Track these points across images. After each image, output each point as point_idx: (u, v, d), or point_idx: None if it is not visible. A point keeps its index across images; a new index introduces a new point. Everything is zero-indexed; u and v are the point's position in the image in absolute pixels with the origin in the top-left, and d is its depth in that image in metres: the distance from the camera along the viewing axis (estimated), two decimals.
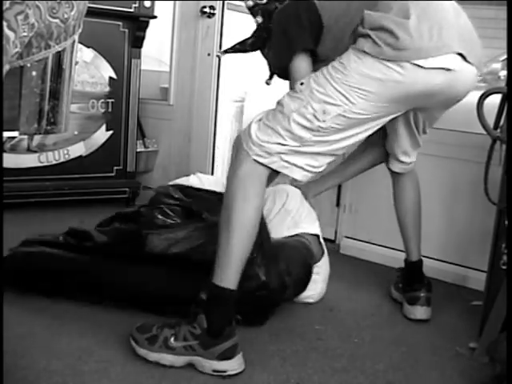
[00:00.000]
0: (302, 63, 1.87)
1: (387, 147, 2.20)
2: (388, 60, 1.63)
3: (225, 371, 1.68)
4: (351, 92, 1.64)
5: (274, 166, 1.69)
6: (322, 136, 1.68)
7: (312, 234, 2.21)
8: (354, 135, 1.74)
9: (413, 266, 2.26)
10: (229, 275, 1.68)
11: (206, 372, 1.68)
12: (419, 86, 1.69)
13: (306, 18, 1.86)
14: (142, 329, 1.75)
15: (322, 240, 2.27)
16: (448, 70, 1.70)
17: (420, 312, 2.17)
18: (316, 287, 2.19)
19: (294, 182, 2.30)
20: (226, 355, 1.68)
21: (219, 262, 1.69)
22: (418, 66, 1.64)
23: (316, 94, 1.66)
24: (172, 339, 1.70)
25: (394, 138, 2.13)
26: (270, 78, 2.11)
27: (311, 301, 2.22)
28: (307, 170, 1.73)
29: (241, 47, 2.11)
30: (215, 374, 1.68)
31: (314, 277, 2.15)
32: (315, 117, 1.65)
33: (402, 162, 2.19)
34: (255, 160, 1.68)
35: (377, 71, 1.64)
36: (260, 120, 1.71)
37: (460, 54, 1.73)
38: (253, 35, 2.09)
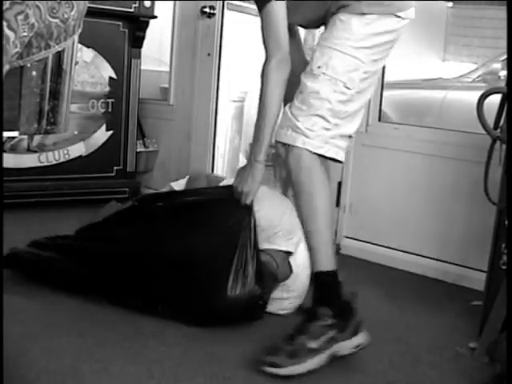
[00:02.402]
0: (280, 7, 1.82)
1: None
2: (381, 15, 1.79)
3: (359, 345, 1.77)
4: (361, 53, 1.79)
5: (328, 154, 1.81)
6: (352, 104, 1.82)
7: (284, 252, 2.09)
8: (363, 105, 1.89)
9: None
10: (330, 257, 1.80)
11: (344, 354, 1.75)
12: (397, 36, 1.86)
13: None
14: (272, 352, 1.71)
15: (290, 259, 2.12)
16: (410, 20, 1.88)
17: None
18: (282, 303, 2.12)
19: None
20: (357, 329, 1.77)
21: (318, 250, 1.79)
22: (400, 17, 1.82)
23: (339, 69, 1.77)
24: (310, 342, 1.70)
25: None
26: None
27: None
28: (345, 152, 1.88)
29: None
30: (353, 350, 1.75)
31: (280, 294, 2.11)
32: (347, 87, 1.79)
33: None
34: (314, 152, 1.78)
35: (375, 26, 1.79)
36: (296, 116, 1.78)
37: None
38: None
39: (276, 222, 2.07)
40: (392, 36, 1.84)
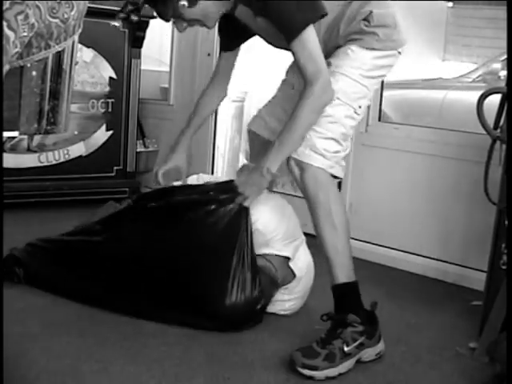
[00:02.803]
0: (313, 32, 1.81)
1: None
2: (387, 50, 1.92)
3: (380, 352, 1.85)
4: (369, 82, 1.92)
5: (337, 174, 1.91)
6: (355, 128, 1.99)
7: (283, 256, 2.09)
8: None
9: None
10: (348, 270, 1.85)
11: (367, 360, 1.81)
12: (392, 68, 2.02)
13: None
14: (308, 355, 1.73)
15: (290, 263, 2.11)
16: None
17: None
18: (283, 304, 2.13)
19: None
20: (380, 336, 1.86)
21: (338, 262, 1.84)
22: (400, 53, 1.97)
23: (351, 95, 1.88)
24: (345, 347, 1.75)
25: None
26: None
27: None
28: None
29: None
30: (375, 357, 1.83)
31: (281, 296, 2.11)
32: (356, 113, 1.91)
33: None
34: (327, 172, 1.87)
35: (381, 60, 1.93)
36: (312, 136, 1.84)
37: None
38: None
39: (275, 226, 2.06)
40: (388, 70, 2.00)
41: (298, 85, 1.93)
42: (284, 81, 2.21)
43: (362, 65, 1.89)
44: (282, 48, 1.98)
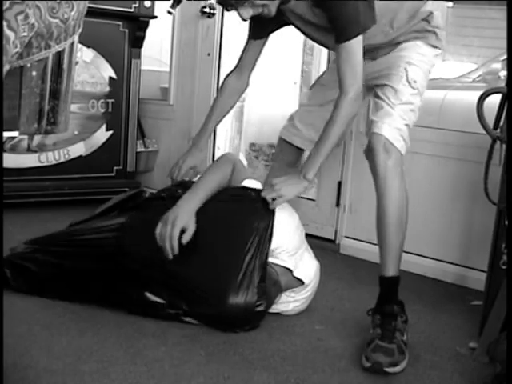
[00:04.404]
0: (360, 42, 1.85)
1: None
2: (440, 49, 2.08)
3: None
4: (427, 76, 2.04)
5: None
6: None
7: (284, 267, 2.07)
8: None
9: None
10: (399, 264, 1.95)
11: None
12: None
13: None
14: (387, 353, 1.74)
15: (296, 273, 2.09)
16: None
17: None
18: (288, 305, 2.12)
19: None
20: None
21: (394, 255, 1.94)
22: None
23: (423, 88, 2.01)
24: (403, 337, 1.84)
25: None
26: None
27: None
28: None
29: None
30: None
31: (286, 298, 2.10)
32: (420, 103, 2.02)
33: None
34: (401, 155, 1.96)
35: (436, 59, 2.08)
36: (401, 123, 1.94)
37: None
38: None
39: (283, 239, 2.03)
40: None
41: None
42: (321, 84, 2.30)
43: (428, 61, 2.03)
44: (325, 46, 2.12)
